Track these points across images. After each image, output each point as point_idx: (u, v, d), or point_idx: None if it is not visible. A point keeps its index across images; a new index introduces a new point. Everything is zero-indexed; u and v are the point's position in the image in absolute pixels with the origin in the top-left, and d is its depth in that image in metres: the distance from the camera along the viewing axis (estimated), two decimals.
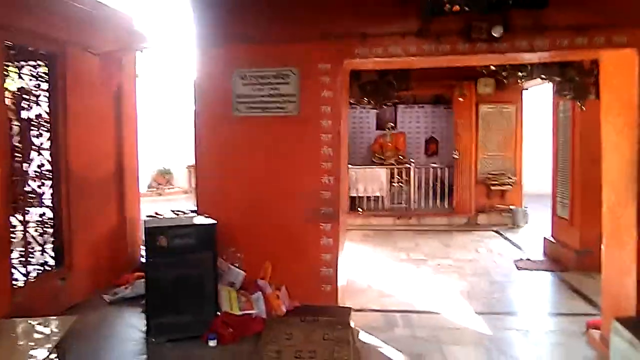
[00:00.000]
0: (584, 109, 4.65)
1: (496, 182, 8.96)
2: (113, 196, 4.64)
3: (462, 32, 3.33)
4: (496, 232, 8.44)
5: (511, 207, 8.87)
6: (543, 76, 4.28)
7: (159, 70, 6.78)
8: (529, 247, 7.26)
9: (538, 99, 9.86)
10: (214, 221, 3.50)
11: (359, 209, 9.35)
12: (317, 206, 3.70)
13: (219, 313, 3.43)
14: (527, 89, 9.00)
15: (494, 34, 3.18)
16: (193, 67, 3.96)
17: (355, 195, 9.43)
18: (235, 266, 3.83)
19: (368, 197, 9.42)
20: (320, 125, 3.64)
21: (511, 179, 8.99)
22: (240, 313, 3.48)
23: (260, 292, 3.69)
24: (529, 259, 6.55)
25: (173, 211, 5.00)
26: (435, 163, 10.16)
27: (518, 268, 6.20)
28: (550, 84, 7.35)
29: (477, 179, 9.08)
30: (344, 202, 4.19)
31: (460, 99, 8.56)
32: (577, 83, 4.35)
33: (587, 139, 5.98)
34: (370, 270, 6.15)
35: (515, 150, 9.13)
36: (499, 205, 9.06)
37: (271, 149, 3.76)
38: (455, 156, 9.02)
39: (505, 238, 7.98)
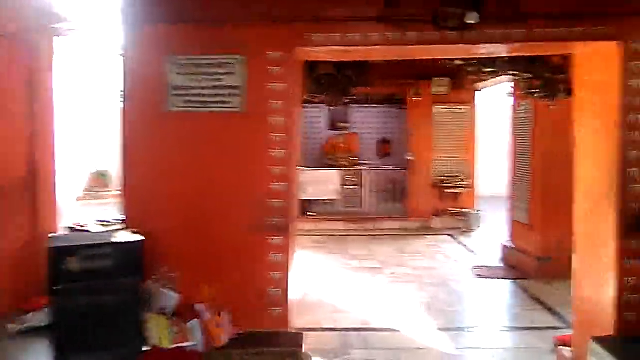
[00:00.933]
0: (553, 107, 4.38)
1: (450, 185, 8.74)
2: (22, 206, 3.93)
3: (431, 18, 2.92)
4: (451, 236, 8.21)
5: (464, 210, 8.67)
6: (511, 72, 3.95)
7: (87, 58, 6.06)
8: (484, 252, 7.04)
9: (492, 100, 9.77)
10: (140, 237, 2.92)
11: (310, 213, 8.88)
12: (265, 216, 3.18)
13: (145, 348, 2.85)
14: (480, 90, 8.84)
15: (468, 21, 2.78)
16: (120, 53, 3.34)
17: (305, 198, 8.95)
18: (168, 288, 3.25)
19: (319, 201, 8.97)
20: (269, 123, 3.12)
21: (465, 181, 8.79)
22: (172, 346, 2.91)
23: (197, 320, 3.13)
24: (486, 266, 6.29)
25: (99, 221, 4.32)
26: (388, 165, 9.85)
27: (476, 276, 5.92)
28: (507, 84, 7.21)
29: (431, 182, 8.83)
30: (296, 211, 3.69)
31: (415, 98, 8.26)
32: (547, 80, 4.07)
33: (549, 140, 5.80)
34: (323, 282, 5.69)
35: (469, 152, 8.95)
36: (452, 209, 8.84)
37: (212, 151, 3.19)
38: (410, 158, 8.73)
39: (460, 243, 7.75)
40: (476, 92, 8.87)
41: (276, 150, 3.15)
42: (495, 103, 12.38)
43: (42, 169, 4.16)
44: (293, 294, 3.53)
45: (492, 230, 8.41)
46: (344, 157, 10.16)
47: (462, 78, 8.47)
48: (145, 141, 3.26)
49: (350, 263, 6.49)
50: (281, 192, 3.19)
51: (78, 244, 2.66)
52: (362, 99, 10.82)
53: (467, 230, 8.50)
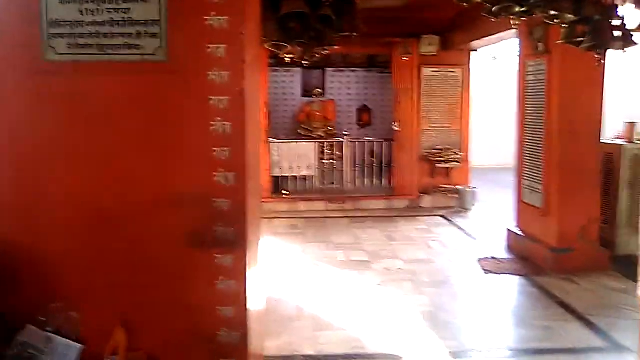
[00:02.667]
0: (602, 63, 3.32)
1: (441, 159, 7.72)
2: None
3: None
4: (443, 217, 7.23)
5: (458, 187, 7.69)
6: (552, 12, 2.85)
7: None
8: (486, 238, 6.07)
9: (489, 61, 8.71)
10: None
11: (284, 192, 7.78)
12: (207, 224, 2.07)
13: None
14: (475, 50, 7.74)
15: None
16: None
17: (278, 175, 7.83)
18: (64, 335, 2.14)
19: (294, 177, 7.86)
20: (207, 79, 1.98)
21: (457, 154, 7.78)
22: None
23: None
24: (494, 258, 5.32)
25: None
26: (370, 136, 8.75)
27: (484, 271, 4.94)
28: (511, 40, 6.12)
29: (419, 155, 7.79)
30: (257, 213, 2.58)
31: (405, 57, 7.11)
32: (596, 25, 2.98)
33: (569, 107, 4.77)
34: (300, 283, 4.62)
35: (462, 121, 7.91)
36: (444, 186, 7.85)
37: (117, 125, 2.04)
38: (396, 128, 7.64)
39: (456, 225, 6.77)
40: (471, 53, 7.77)
41: (219, 123, 2.01)
42: (492, 65, 11.45)
43: None
44: (260, 306, 2.47)
45: (491, 211, 7.48)
46: (320, 127, 9.04)
47: (455, 36, 7.37)
48: (9, 110, 2.07)
49: (333, 255, 5.43)
50: (230, 187, 2.06)
51: None
52: (338, 62, 9.65)
53: (462, 209, 7.54)
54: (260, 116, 7.69)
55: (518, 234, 5.54)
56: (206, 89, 1.99)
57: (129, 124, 2.04)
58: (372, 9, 5.67)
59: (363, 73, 9.84)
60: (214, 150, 2.01)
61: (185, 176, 2.03)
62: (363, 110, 9.97)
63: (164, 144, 2.01)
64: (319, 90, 9.37)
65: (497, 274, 4.87)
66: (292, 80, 9.70)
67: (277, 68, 9.33)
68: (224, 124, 2.00)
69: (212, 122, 2.00)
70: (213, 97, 1.99)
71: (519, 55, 5.47)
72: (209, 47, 1.97)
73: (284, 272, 4.85)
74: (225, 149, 2.01)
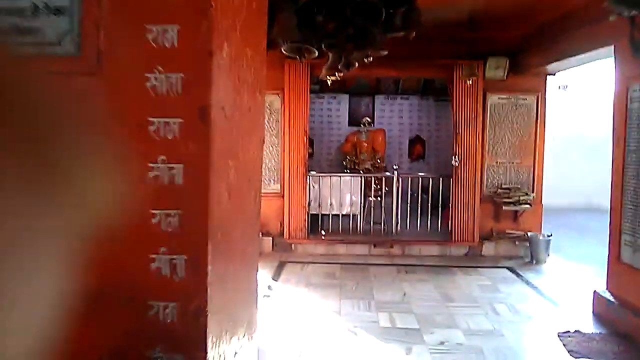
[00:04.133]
0: None
1: (509, 200, 6.58)
2: None
3: None
4: (511, 270, 6.06)
5: (528, 233, 6.51)
6: None
7: None
8: (567, 302, 4.88)
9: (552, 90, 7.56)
10: None
11: (322, 232, 6.86)
12: (136, 346, 1.18)
13: None
14: (553, 74, 6.64)
15: None
16: None
17: (317, 212, 6.94)
18: None
19: (336, 216, 6.94)
20: (145, 87, 1.13)
21: (529, 195, 6.62)
22: None
23: None
24: (579, 332, 4.15)
25: None
26: (423, 171, 7.76)
27: (569, 352, 3.79)
28: (614, 59, 5.04)
29: (482, 195, 6.69)
30: (244, 317, 1.67)
31: (469, 81, 6.10)
32: None
33: None
34: None
35: (535, 156, 6.76)
36: (511, 231, 6.69)
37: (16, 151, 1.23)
38: (455, 163, 6.60)
39: (527, 282, 5.59)
40: (547, 77, 6.68)
41: (163, 166, 1.13)
42: (560, 94, 10.24)
43: None
44: None
45: (570, 265, 6.26)
46: (367, 160, 8.12)
47: (528, 57, 6.32)
48: None
49: (374, 318, 4.43)
50: (179, 283, 1.16)
51: None
52: (390, 88, 8.77)
53: (533, 261, 6.34)
54: (300, 146, 6.94)
55: (610, 301, 4.34)
56: (143, 103, 1.12)
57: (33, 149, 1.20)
58: (427, 25, 4.77)
59: (417, 100, 8.91)
60: (153, 215, 1.13)
61: (99, 263, 1.16)
62: (416, 141, 9.00)
63: (60, 201, 1.15)
64: (368, 119, 8.49)
65: (586, 358, 3.70)
66: (339, 108, 8.90)
67: (321, 95, 8.58)
68: (171, 168, 1.12)
69: (150, 164, 1.12)
70: (155, 119, 1.12)
71: (618, 78, 4.39)
72: (150, 31, 1.11)
73: (311, 343, 3.88)
74: (173, 212, 1.12)
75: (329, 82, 5.71)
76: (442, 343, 3.92)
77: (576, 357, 3.72)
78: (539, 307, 4.81)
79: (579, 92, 14.52)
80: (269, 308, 4.66)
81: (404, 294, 5.08)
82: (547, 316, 4.55)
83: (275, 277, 5.62)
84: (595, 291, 4.55)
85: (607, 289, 4.46)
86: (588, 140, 11.73)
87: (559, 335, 4.05)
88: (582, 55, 5.13)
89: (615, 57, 4.43)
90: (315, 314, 4.52)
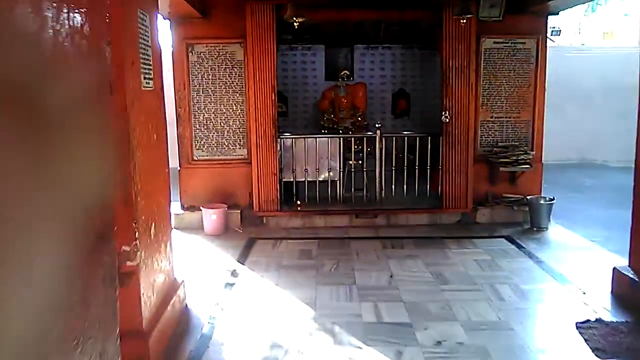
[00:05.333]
0: None
1: (506, 160, 5.82)
2: None
3: None
4: (510, 240, 5.36)
5: (528, 197, 5.79)
6: None
7: None
8: (579, 280, 4.20)
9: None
10: None
11: (298, 202, 6.05)
12: None
13: None
14: (556, 13, 5.77)
15: None
16: None
17: (291, 180, 6.12)
18: None
19: (313, 182, 6.12)
20: None
21: (528, 154, 5.86)
22: None
23: None
24: (601, 321, 3.47)
25: None
26: (407, 128, 6.94)
27: (594, 351, 3.11)
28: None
29: (476, 155, 5.91)
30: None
31: (463, 20, 5.17)
32: None
33: None
34: None
35: (535, 109, 5.97)
36: (508, 195, 5.97)
37: None
38: (445, 120, 5.76)
39: (530, 255, 4.90)
40: (548, 17, 5.80)
41: None
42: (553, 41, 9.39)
43: None
44: None
45: (576, 232, 5.59)
46: (347, 117, 7.23)
47: None
48: None
49: (357, 310, 3.69)
50: None
51: None
52: (369, 37, 7.80)
53: (533, 229, 5.65)
54: (269, 104, 6.02)
55: (635, 280, 3.66)
56: None
57: None
58: None
59: (400, 50, 7.97)
60: None
61: None
62: (399, 95, 8.11)
63: None
64: (346, 72, 7.54)
65: (610, 356, 3.03)
66: (314, 60, 7.92)
67: (294, 45, 7.59)
68: None
69: None
70: None
71: None
72: None
73: (277, 352, 3.13)
74: None
75: (295, 25, 4.78)
76: (438, 343, 3.21)
77: (595, 352, 3.05)
78: (548, 288, 4.12)
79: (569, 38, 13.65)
80: (231, 301, 3.89)
81: (391, 276, 4.35)
82: (559, 300, 3.87)
83: (242, 259, 4.84)
84: (615, 268, 3.87)
85: (629, 265, 3.78)
86: (581, 91, 10.99)
87: (577, 327, 3.37)
88: None
89: None
90: (285, 308, 3.76)
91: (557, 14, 5.73)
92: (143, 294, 3.02)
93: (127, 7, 2.76)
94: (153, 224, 3.21)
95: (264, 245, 5.28)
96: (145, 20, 3.05)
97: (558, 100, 9.70)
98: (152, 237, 3.25)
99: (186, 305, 3.79)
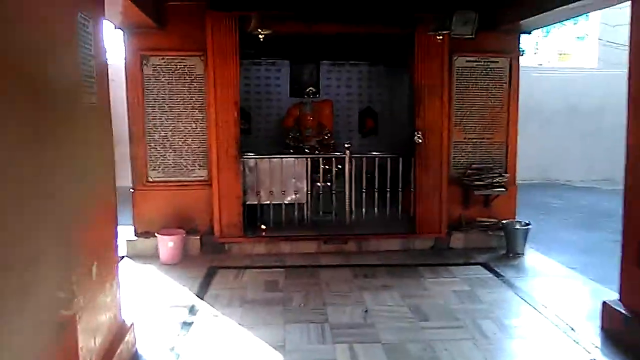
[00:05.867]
0: None
1: (480, 183, 5.60)
2: None
3: None
4: (486, 267, 5.11)
5: (503, 222, 5.57)
6: None
7: None
8: (564, 311, 3.95)
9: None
10: None
11: (262, 227, 5.64)
12: None
13: None
14: (528, 32, 5.64)
15: None
16: None
17: (255, 202, 5.70)
18: None
19: (278, 205, 5.72)
20: None
21: (503, 176, 5.67)
22: None
23: None
24: None
25: None
26: (374, 148, 6.66)
27: None
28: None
29: (449, 177, 5.67)
30: None
31: (439, 37, 4.93)
32: None
33: None
34: None
35: (509, 130, 5.80)
36: (483, 219, 5.74)
37: None
38: (418, 140, 5.50)
39: (509, 284, 4.64)
40: (520, 36, 5.67)
41: None
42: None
43: None
44: None
45: (549, 257, 5.40)
46: (314, 135, 6.89)
47: (500, 11, 5.27)
48: None
49: (331, 355, 3.30)
50: None
51: None
52: (336, 54, 7.51)
53: (509, 255, 5.43)
54: (231, 122, 5.61)
55: (628, 317, 3.43)
56: None
57: None
58: None
59: (366, 68, 7.72)
60: None
61: None
62: (366, 114, 7.85)
63: None
64: (312, 88, 7.23)
65: None
66: (278, 76, 7.57)
67: (257, 60, 7.24)
68: None
69: None
70: None
71: (634, 31, 3.38)
72: None
73: None
74: None
75: (260, 37, 4.42)
76: None
77: None
78: (533, 322, 3.84)
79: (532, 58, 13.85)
80: (188, 345, 3.42)
81: (365, 311, 3.99)
82: (547, 337, 3.59)
83: (201, 293, 4.37)
84: (605, 303, 3.63)
85: (620, 300, 3.55)
86: (543, 111, 11.10)
87: None
88: (571, 5, 4.12)
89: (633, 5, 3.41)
90: (250, 352, 3.33)
91: (530, 33, 5.60)
92: (82, 347, 2.55)
93: (61, 7, 2.32)
94: (95, 264, 2.74)
95: (225, 276, 4.82)
96: (87, 27, 2.61)
97: (521, 120, 9.71)
98: (94, 277, 2.79)
99: (136, 351, 3.32)
